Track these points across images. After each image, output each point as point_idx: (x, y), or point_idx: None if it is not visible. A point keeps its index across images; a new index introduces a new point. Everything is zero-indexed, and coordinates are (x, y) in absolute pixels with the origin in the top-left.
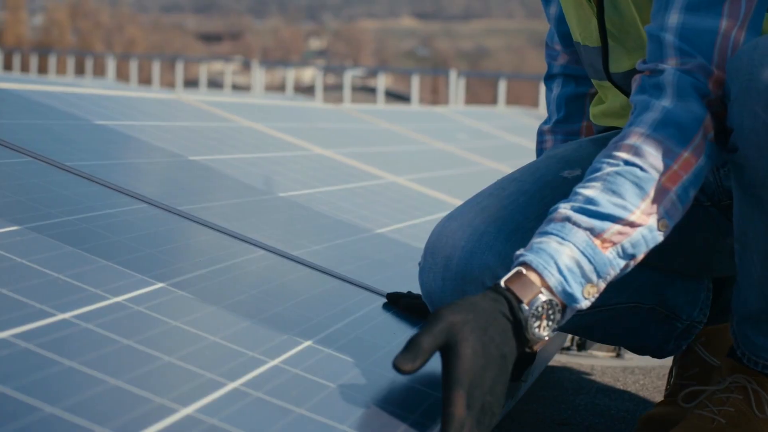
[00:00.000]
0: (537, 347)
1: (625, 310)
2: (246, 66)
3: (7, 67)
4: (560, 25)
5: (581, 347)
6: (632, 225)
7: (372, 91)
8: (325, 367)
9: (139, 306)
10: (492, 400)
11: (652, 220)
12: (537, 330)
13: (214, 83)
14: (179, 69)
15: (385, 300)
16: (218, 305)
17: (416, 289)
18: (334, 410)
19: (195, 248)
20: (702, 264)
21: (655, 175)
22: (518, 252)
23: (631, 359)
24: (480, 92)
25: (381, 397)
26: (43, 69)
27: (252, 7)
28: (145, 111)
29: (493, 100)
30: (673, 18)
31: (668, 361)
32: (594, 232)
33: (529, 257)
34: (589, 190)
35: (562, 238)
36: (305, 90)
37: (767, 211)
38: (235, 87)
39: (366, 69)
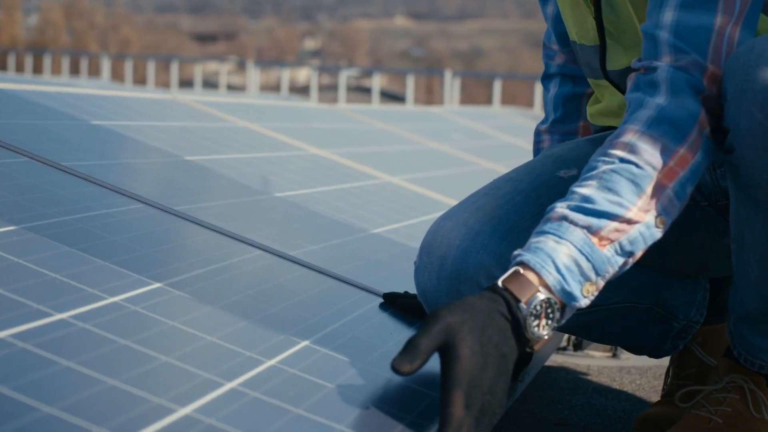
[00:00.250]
0: (537, 347)
1: (621, 310)
2: (241, 66)
3: (2, 67)
4: (557, 24)
5: (577, 347)
6: (629, 222)
7: (367, 91)
8: (322, 367)
9: (136, 306)
10: (491, 400)
11: (650, 217)
12: (536, 329)
13: (209, 83)
14: (174, 69)
15: (381, 300)
16: (215, 305)
17: (412, 289)
18: (332, 410)
19: (192, 248)
20: (699, 264)
21: (651, 172)
22: (515, 252)
23: (628, 359)
24: (475, 92)
25: (378, 397)
26: (38, 69)
27: (247, 7)
28: (141, 111)
29: (488, 101)
30: (668, 15)
31: (664, 361)
32: (591, 230)
33: (527, 257)
34: (585, 189)
35: (560, 237)
36: (300, 90)
37: (764, 212)
38: (230, 87)
39: (361, 69)
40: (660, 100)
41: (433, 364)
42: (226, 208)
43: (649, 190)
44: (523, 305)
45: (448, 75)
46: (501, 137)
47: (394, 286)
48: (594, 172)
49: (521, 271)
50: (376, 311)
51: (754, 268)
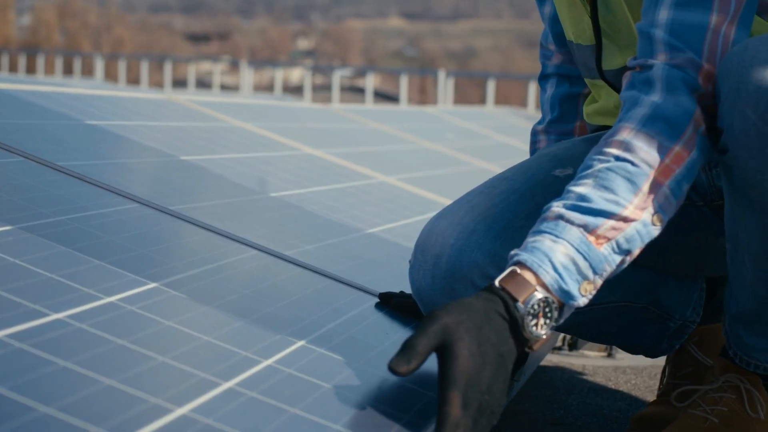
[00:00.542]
0: (536, 347)
1: (617, 309)
2: (234, 66)
3: None
4: (554, 24)
5: (573, 347)
6: (626, 220)
7: (360, 91)
8: (318, 367)
9: (133, 306)
10: (490, 399)
11: (646, 215)
12: (534, 328)
13: (203, 83)
14: (167, 69)
15: (377, 299)
16: (211, 305)
17: (408, 289)
18: (328, 410)
19: (187, 248)
20: (695, 264)
21: (647, 170)
22: (512, 252)
23: (623, 359)
24: (468, 92)
25: (375, 397)
26: (31, 69)
27: (240, 7)
28: (136, 111)
29: (482, 100)
30: (663, 14)
31: (659, 360)
32: (588, 229)
33: (524, 256)
34: (581, 188)
35: (556, 236)
36: (293, 90)
37: (758, 212)
38: (224, 87)
39: (354, 69)
40: (655, 97)
41: (430, 363)
42: (222, 207)
43: (645, 187)
44: (520, 304)
45: (441, 75)
46: (495, 137)
47: (389, 285)
48: (590, 171)
49: (518, 270)
50: (371, 311)
51: (749, 269)
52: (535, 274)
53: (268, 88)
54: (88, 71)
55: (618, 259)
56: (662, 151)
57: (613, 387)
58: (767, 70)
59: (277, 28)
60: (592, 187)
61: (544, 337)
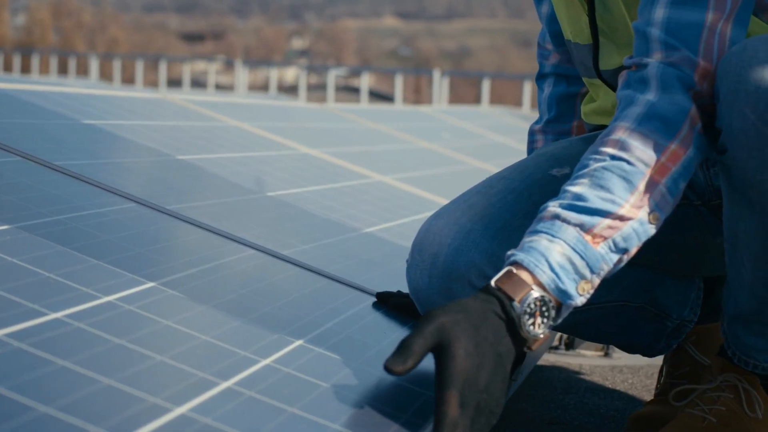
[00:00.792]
0: (535, 346)
1: (614, 309)
2: (229, 66)
3: None
4: (552, 24)
5: (569, 346)
6: (622, 219)
7: (355, 90)
8: (316, 367)
9: (131, 305)
10: (488, 399)
11: (643, 213)
12: (531, 327)
13: (197, 83)
14: (162, 69)
15: (374, 299)
16: (209, 304)
17: (405, 288)
18: (327, 409)
19: (184, 247)
20: (692, 263)
21: (643, 169)
22: (509, 252)
23: (620, 358)
24: (463, 92)
25: (373, 396)
26: (26, 69)
27: (234, 7)
28: (133, 110)
29: (477, 100)
30: (659, 13)
31: (656, 360)
32: (584, 228)
33: (520, 256)
34: (577, 187)
35: (552, 236)
36: (288, 90)
37: (757, 212)
38: (219, 87)
39: (349, 68)
40: (650, 96)
41: (428, 363)
42: (218, 207)
43: (641, 186)
44: (516, 304)
45: (436, 74)
46: (490, 136)
47: (386, 285)
48: (586, 170)
49: (514, 270)
50: (369, 310)
51: (748, 269)
52: (532, 273)
53: (263, 87)
54: (83, 71)
55: (615, 257)
56: (658, 149)
57: (610, 386)
58: (766, 70)
59: (272, 28)
60: (588, 186)
61: (542, 336)
